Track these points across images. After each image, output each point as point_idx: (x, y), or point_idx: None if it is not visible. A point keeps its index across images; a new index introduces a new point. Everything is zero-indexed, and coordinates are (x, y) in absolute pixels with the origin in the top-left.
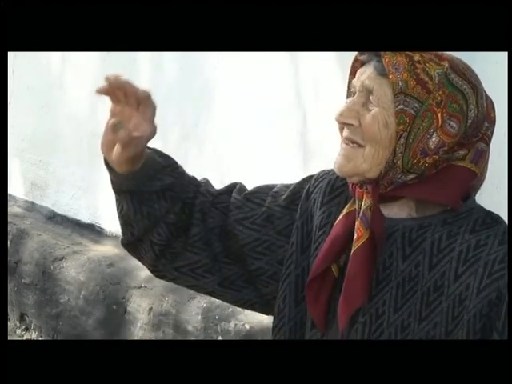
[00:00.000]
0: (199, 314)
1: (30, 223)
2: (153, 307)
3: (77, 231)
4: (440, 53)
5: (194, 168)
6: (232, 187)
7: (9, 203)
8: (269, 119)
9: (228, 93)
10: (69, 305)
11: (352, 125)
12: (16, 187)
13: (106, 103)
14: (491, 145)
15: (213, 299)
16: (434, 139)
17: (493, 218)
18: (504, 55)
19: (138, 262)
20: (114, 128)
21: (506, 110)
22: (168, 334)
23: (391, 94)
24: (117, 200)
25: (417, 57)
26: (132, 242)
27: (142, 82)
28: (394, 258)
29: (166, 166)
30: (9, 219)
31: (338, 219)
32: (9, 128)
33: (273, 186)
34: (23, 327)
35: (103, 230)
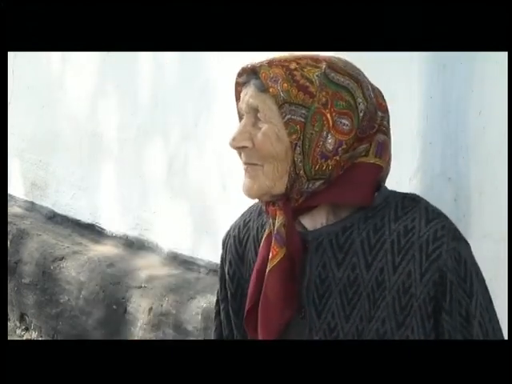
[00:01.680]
0: (199, 314)
1: (30, 223)
2: (153, 307)
3: (77, 231)
4: (316, 56)
5: (194, 168)
6: None
7: (9, 203)
8: None
9: (228, 93)
10: (69, 305)
11: (246, 147)
12: (16, 187)
13: (106, 103)
14: (490, 145)
15: (213, 299)
16: (329, 140)
17: (410, 198)
18: (504, 55)
19: (138, 262)
20: None
21: (505, 110)
22: (168, 334)
23: (276, 106)
24: None
25: (293, 65)
26: None
27: (142, 82)
28: (329, 267)
29: None
30: (9, 219)
31: (261, 244)
32: (9, 128)
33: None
34: (23, 327)
35: (103, 230)
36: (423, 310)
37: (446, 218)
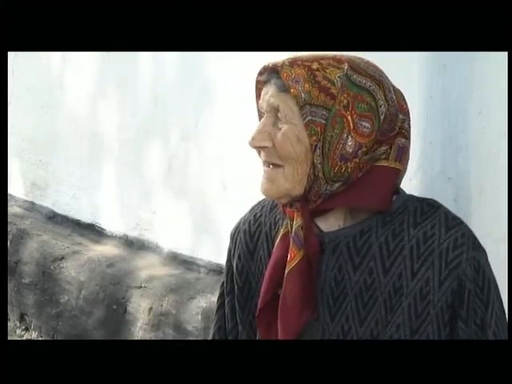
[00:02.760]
0: (199, 313)
1: (30, 223)
2: (153, 307)
3: (77, 231)
4: (339, 56)
5: (194, 168)
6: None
7: (9, 203)
8: None
9: (228, 93)
10: (69, 305)
11: (266, 147)
12: (16, 187)
13: (106, 103)
14: (490, 145)
15: (213, 299)
16: (350, 143)
17: (429, 203)
18: (504, 55)
19: (138, 262)
20: None
21: (506, 110)
22: (168, 334)
23: (297, 107)
24: None
25: (315, 65)
26: None
27: (142, 82)
28: (345, 270)
29: None
30: (9, 219)
31: (276, 243)
32: (9, 128)
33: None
34: (23, 327)
35: (103, 230)
36: (440, 317)
37: (465, 226)
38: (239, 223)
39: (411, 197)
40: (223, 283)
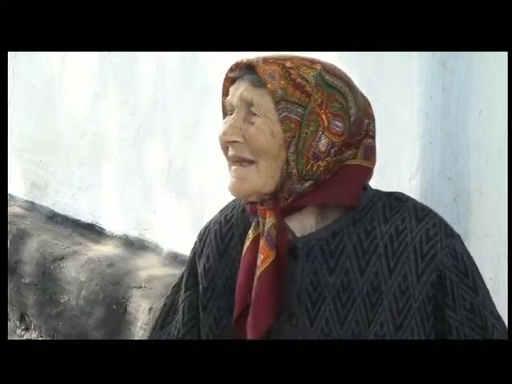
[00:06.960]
0: None
1: (30, 223)
2: (153, 307)
3: (77, 231)
4: (309, 57)
5: (195, 168)
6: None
7: (9, 203)
8: None
9: None
10: (69, 305)
11: (237, 141)
12: (16, 187)
13: (106, 103)
14: (491, 145)
15: None
16: (323, 141)
17: (396, 197)
18: (504, 55)
19: (138, 262)
20: None
21: (506, 110)
22: None
23: (272, 102)
24: None
25: (288, 63)
26: None
27: (142, 82)
28: (320, 274)
29: None
30: (9, 219)
31: (246, 246)
32: (9, 128)
33: (170, 293)
34: (23, 327)
35: (103, 229)
36: (422, 310)
37: (435, 214)
38: (209, 224)
39: (377, 192)
40: (183, 276)
